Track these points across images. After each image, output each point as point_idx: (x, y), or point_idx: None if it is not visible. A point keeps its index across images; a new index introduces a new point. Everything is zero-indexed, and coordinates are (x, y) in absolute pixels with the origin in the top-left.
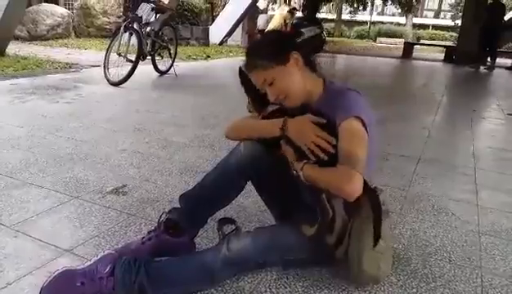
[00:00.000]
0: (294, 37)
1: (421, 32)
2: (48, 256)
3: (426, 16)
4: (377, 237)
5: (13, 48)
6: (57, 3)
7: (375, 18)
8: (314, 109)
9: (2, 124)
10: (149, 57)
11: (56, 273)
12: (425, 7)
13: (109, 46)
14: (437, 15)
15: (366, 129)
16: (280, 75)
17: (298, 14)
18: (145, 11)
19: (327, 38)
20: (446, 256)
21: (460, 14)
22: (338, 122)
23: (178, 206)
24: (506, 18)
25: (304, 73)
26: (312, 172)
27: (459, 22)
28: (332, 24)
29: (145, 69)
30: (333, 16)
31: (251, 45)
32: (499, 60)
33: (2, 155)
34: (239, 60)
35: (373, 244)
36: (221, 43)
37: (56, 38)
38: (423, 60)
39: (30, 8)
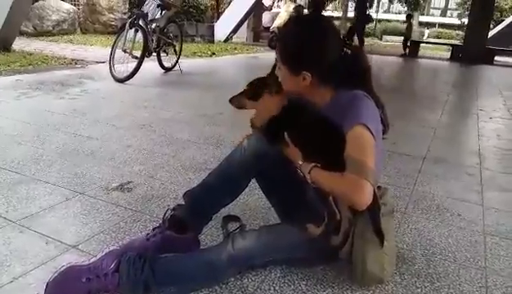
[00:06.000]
0: (322, 54)
1: (427, 30)
2: (54, 252)
3: (433, 14)
4: (378, 231)
5: (19, 44)
6: None
7: (381, 16)
8: (320, 114)
9: (7, 119)
10: (154, 54)
11: (61, 269)
12: (432, 5)
13: (114, 43)
14: (443, 14)
15: (373, 136)
16: (283, 74)
17: (305, 11)
18: (150, 7)
19: None
20: (450, 256)
21: (467, 12)
22: (345, 130)
23: (183, 203)
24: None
25: (311, 86)
26: (321, 178)
27: (465, 20)
28: (338, 22)
29: (150, 65)
30: (339, 14)
31: (289, 30)
32: (507, 59)
33: (8, 150)
34: (244, 57)
35: (380, 245)
36: (226, 40)
37: (62, 34)
38: (429, 58)
39: (36, 4)
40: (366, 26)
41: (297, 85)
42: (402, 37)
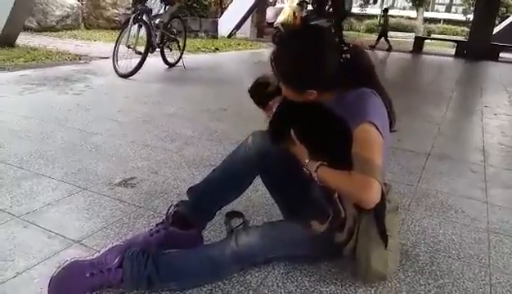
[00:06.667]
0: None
1: (432, 26)
2: (57, 247)
3: (437, 10)
4: (382, 232)
5: (23, 39)
6: None
7: None
8: (325, 107)
9: (11, 115)
10: (158, 49)
11: (65, 264)
12: (437, 1)
13: (118, 38)
14: (448, 9)
15: (380, 134)
16: (286, 91)
17: (308, 7)
18: (154, 3)
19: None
20: (454, 253)
21: (472, 8)
22: (352, 127)
23: (186, 199)
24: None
25: (316, 96)
26: (328, 176)
27: (470, 17)
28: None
29: (153, 61)
30: None
31: (283, 54)
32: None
33: (12, 146)
34: (247, 52)
35: (384, 245)
36: (229, 36)
37: (66, 30)
38: (433, 54)
39: None
40: (367, 22)
41: (302, 98)
42: (389, 33)
